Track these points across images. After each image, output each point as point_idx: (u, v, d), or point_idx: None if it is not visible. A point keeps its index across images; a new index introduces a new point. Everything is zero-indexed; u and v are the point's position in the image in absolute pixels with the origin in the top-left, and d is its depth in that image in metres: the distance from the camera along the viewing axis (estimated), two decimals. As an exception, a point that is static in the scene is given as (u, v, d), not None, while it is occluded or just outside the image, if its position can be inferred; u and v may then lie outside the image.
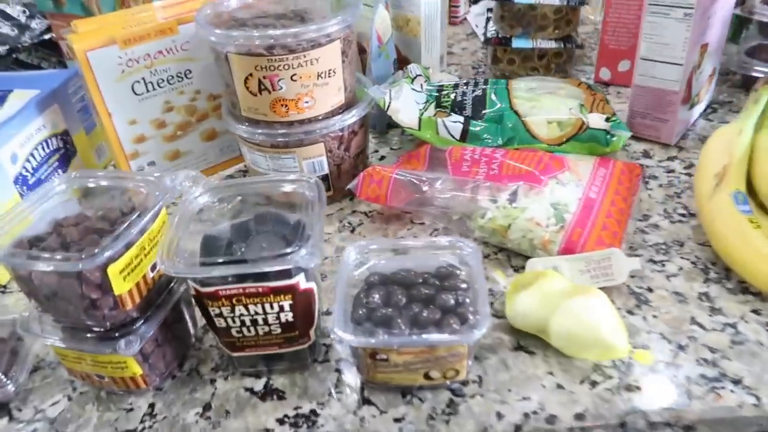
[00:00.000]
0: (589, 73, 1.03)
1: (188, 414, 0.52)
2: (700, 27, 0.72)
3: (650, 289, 0.59)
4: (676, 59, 0.73)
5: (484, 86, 0.79)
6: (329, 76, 0.67)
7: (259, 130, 0.69)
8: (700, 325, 0.55)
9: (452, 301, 0.50)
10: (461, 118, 0.73)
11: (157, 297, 0.52)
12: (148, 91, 0.74)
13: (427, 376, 0.50)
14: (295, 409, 0.51)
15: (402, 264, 0.54)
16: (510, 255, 0.65)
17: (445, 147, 0.71)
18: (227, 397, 0.53)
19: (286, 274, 0.47)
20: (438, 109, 0.76)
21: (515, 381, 0.52)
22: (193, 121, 0.80)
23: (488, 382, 0.52)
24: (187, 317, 0.57)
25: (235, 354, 0.53)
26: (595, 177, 0.64)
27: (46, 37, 1.13)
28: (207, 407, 0.52)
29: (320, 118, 0.69)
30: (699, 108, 0.83)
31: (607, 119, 0.70)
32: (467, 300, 0.50)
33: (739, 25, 0.97)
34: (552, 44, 0.95)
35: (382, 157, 0.86)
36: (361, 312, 0.50)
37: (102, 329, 0.49)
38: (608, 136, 0.69)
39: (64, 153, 0.79)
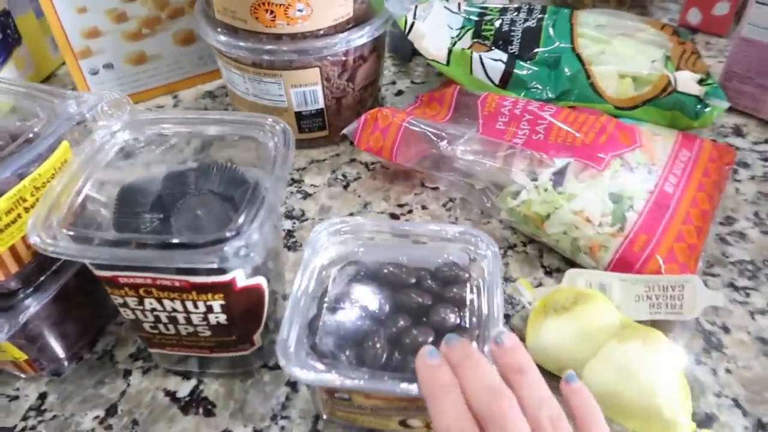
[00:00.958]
0: (674, 12, 0.82)
1: (85, 417, 0.39)
2: None
3: (726, 329, 0.43)
4: (809, 9, 0.54)
5: (540, 15, 0.60)
6: (335, -23, 0.49)
7: (238, 42, 0.52)
8: (792, 394, 0.40)
9: (452, 320, 0.35)
10: (504, 56, 0.55)
11: (53, 262, 0.38)
12: (103, -30, 0.57)
13: (403, 424, 0.36)
14: (224, 433, 0.38)
15: (392, 254, 0.39)
16: (543, 250, 0.49)
17: (479, 92, 0.54)
18: (140, 400, 0.40)
19: (216, 268, 0.32)
20: (476, 40, 0.58)
21: (524, 438, 0.37)
22: (164, 17, 0.63)
23: (487, 433, 0.38)
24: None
25: (153, 350, 0.39)
26: (675, 161, 0.47)
27: None
28: (111, 410, 0.40)
29: (318, 34, 0.52)
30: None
31: (701, 81, 0.52)
32: (473, 322, 0.35)
33: None
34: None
35: (399, 92, 0.68)
36: (327, 320, 0.35)
37: (-34, 301, 0.36)
38: (699, 106, 0.51)
39: (2, 39, 0.63)
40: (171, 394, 0.40)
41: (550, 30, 0.57)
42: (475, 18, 0.60)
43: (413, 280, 0.38)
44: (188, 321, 0.35)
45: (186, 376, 0.41)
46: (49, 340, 0.39)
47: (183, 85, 0.68)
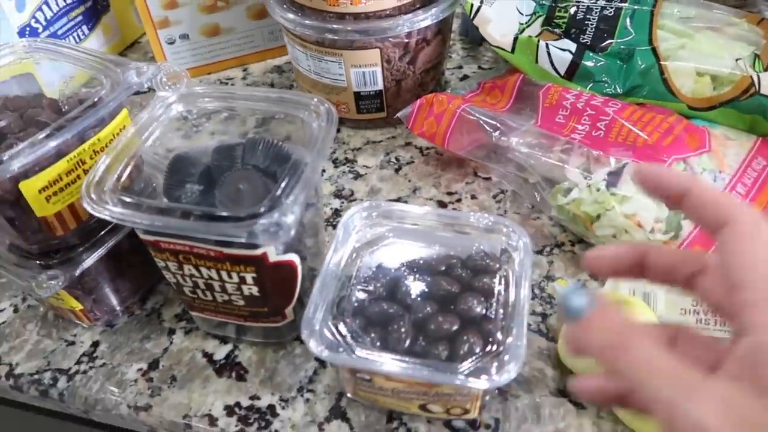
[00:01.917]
0: (778, 6, 0.75)
1: (130, 368, 0.42)
2: None
3: (783, 354, 0.40)
4: None
5: (620, 4, 0.56)
6: (401, -43, 0.49)
7: (303, 20, 0.53)
8: None
9: (479, 309, 0.35)
10: (573, 46, 0.53)
11: (107, 222, 0.40)
12: (185, -58, 0.60)
13: (423, 408, 0.36)
14: (252, 398, 0.40)
15: (424, 240, 0.39)
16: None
17: (542, 82, 0.52)
18: (180, 359, 0.43)
19: (247, 242, 0.33)
20: (545, 28, 0.55)
21: (545, 442, 0.37)
22: (240, -10, 0.65)
23: (508, 431, 0.37)
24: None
25: (194, 314, 0.41)
26: (747, 170, 0.44)
27: None
28: (154, 365, 0.42)
29: (383, 14, 0.52)
30: None
31: (790, 85, 0.47)
32: (500, 313, 0.35)
33: None
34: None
35: (465, 77, 0.67)
36: (353, 300, 0.36)
37: (32, 252, 0.39)
38: (784, 111, 0.47)
39: (93, 6, 0.67)
40: (208, 356, 0.43)
41: (628, 21, 0.54)
42: (549, 3, 0.58)
43: (443, 267, 0.38)
44: (223, 289, 0.37)
45: (224, 340, 0.43)
46: (102, 292, 0.42)
47: (254, 58, 0.70)
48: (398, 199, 0.53)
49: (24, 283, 0.37)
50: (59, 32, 0.63)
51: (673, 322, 0.27)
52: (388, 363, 0.32)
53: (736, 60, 0.49)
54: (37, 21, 0.60)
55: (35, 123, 0.37)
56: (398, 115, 0.53)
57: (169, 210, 0.33)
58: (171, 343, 0.44)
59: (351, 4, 0.51)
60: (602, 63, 0.52)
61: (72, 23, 0.65)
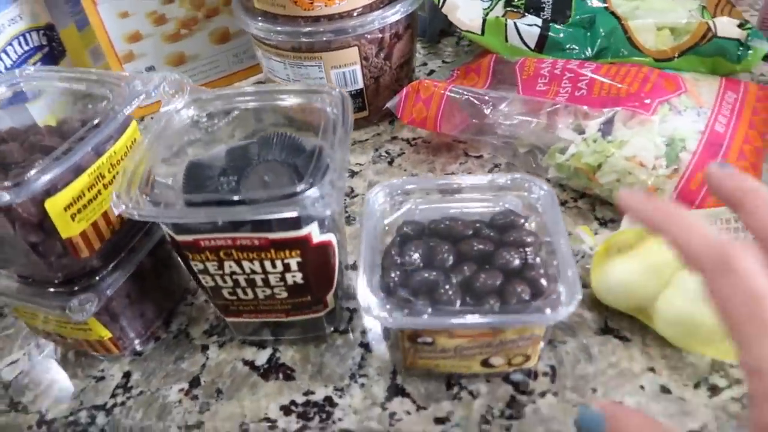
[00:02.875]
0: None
1: (171, 390, 0.40)
2: None
3: (791, 260, 0.43)
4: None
5: (569, -20, 0.60)
6: (368, -44, 0.51)
7: (277, 27, 0.54)
8: None
9: (517, 261, 0.36)
10: (539, 21, 0.56)
11: (129, 240, 0.39)
12: (142, -25, 0.60)
13: (485, 363, 0.36)
14: (306, 394, 0.39)
15: (446, 210, 0.40)
16: (595, 203, 0.49)
17: (515, 59, 0.55)
18: (221, 371, 0.41)
19: (293, 223, 0.33)
20: (508, 9, 0.58)
21: (602, 377, 0.38)
22: (201, 16, 0.65)
23: (564, 375, 0.38)
24: (173, 267, 0.45)
25: (230, 319, 0.40)
26: (722, 103, 0.47)
27: None
28: (195, 382, 0.41)
29: (355, 14, 0.54)
30: None
31: (740, 25, 0.52)
32: (537, 260, 0.36)
33: None
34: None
35: (431, 72, 0.69)
36: (393, 275, 0.36)
37: (55, 281, 0.37)
38: (741, 49, 0.51)
39: (49, 52, 0.65)
40: (249, 363, 0.42)
41: (581, -8, 0.58)
42: (505, -12, 0.61)
43: (470, 232, 0.38)
44: (266, 283, 0.36)
45: (261, 345, 0.42)
46: (129, 317, 0.41)
47: (221, 83, 0.70)
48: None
49: (55, 312, 0.35)
50: (19, 80, 0.61)
51: None
52: (463, 316, 0.32)
53: (689, 11, 0.54)
54: (-2, 70, 0.59)
55: (40, 149, 0.36)
56: (387, 105, 0.54)
57: (205, 203, 0.33)
58: (207, 359, 0.42)
59: (325, 6, 0.52)
60: (568, 33, 0.56)
61: (31, 70, 0.63)
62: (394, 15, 0.54)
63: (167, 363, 0.42)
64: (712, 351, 0.37)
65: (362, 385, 0.39)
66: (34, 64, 0.63)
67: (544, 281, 0.35)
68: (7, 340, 0.46)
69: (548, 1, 0.59)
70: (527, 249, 0.37)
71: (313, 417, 0.38)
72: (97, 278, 0.37)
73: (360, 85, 0.58)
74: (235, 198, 0.32)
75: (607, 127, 0.46)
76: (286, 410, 0.38)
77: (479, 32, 0.57)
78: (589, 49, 0.55)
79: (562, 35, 0.55)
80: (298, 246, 0.34)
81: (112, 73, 0.39)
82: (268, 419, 0.38)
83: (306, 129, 0.39)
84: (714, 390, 0.36)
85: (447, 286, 0.35)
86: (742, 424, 0.35)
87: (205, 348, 0.43)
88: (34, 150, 0.36)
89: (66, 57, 0.69)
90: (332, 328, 0.42)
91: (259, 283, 0.36)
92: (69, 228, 0.34)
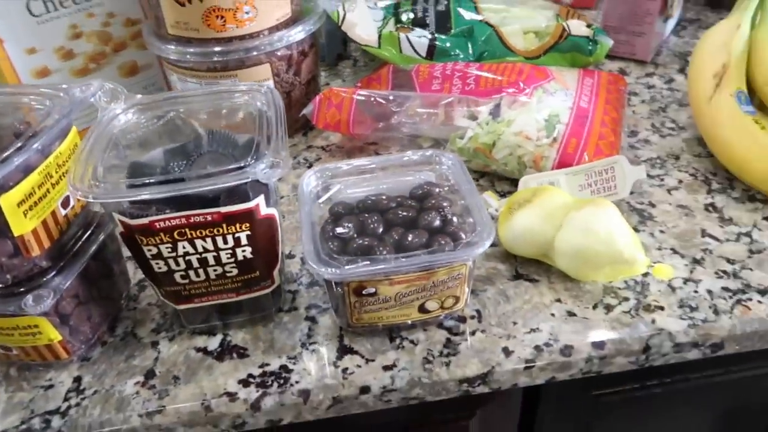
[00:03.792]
0: (549, -2, 0.95)
1: (126, 385, 0.42)
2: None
3: (652, 204, 0.52)
4: (654, -38, 0.67)
5: (446, 1, 0.70)
6: (272, -19, 0.56)
7: (191, 49, 0.57)
8: (713, 237, 0.49)
9: (438, 221, 0.42)
10: (427, 33, 0.64)
11: (74, 243, 0.41)
12: (48, 11, 0.61)
13: (422, 309, 0.41)
14: (262, 366, 0.42)
15: (369, 189, 0.45)
16: (494, 179, 0.57)
17: (410, 66, 0.62)
18: (174, 361, 0.43)
19: (242, 195, 0.37)
20: (398, 25, 0.66)
21: (519, 312, 0.44)
22: (109, 51, 0.67)
23: (488, 316, 0.44)
24: (117, 272, 0.47)
25: (182, 307, 0.43)
26: (583, 87, 0.57)
27: None
28: (150, 374, 0.42)
29: (264, 33, 0.59)
30: (671, 23, 0.78)
31: (588, 26, 0.63)
32: (454, 218, 0.42)
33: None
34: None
35: (335, 90, 0.76)
36: (331, 245, 0.40)
37: (2, 284, 0.38)
38: (591, 45, 0.62)
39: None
40: (202, 350, 0.44)
41: (459, 9, 0.67)
42: (392, 10, 0.69)
43: (394, 204, 0.44)
44: (217, 261, 0.39)
45: (211, 333, 0.45)
46: (78, 319, 0.42)
47: (132, 114, 0.72)
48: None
49: (10, 308, 0.36)
50: None
51: None
52: (401, 261, 0.37)
53: (548, 18, 0.64)
54: None
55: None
56: (303, 112, 0.60)
57: (165, 182, 0.36)
58: (159, 353, 0.44)
59: (237, 27, 0.57)
60: (452, 41, 0.64)
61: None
62: (298, 34, 0.60)
63: (118, 363, 0.43)
64: (601, 276, 0.44)
65: (313, 351, 0.43)
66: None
67: (462, 234, 0.41)
68: (-61, 368, 0.44)
69: (432, 18, 0.67)
70: (445, 210, 0.43)
71: (271, 384, 0.41)
72: (45, 279, 0.39)
73: (273, 99, 0.62)
74: (192, 175, 0.35)
75: (495, 111, 0.54)
76: (244, 383, 0.41)
77: (376, 45, 0.64)
78: (472, 53, 0.64)
79: (448, 44, 0.64)
80: (247, 219, 0.38)
81: (53, 85, 0.41)
82: (228, 393, 0.40)
83: (239, 125, 0.44)
84: (608, 308, 0.44)
85: (381, 248, 0.40)
86: None
87: (155, 344, 0.45)
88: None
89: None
90: (278, 308, 0.46)
91: (211, 261, 0.39)
92: (22, 225, 0.36)
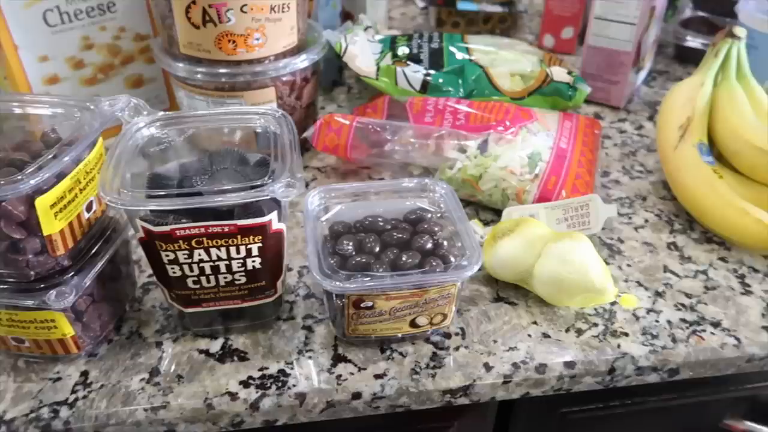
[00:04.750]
0: (531, 40, 1.02)
1: (131, 381, 0.44)
2: (652, -12, 0.72)
3: (621, 240, 0.58)
4: (630, 18, 0.73)
5: (439, 40, 0.75)
6: (283, 11, 0.60)
7: (201, 69, 0.61)
8: (674, 273, 0.54)
9: (430, 245, 0.46)
10: (421, 68, 0.69)
11: (92, 245, 0.44)
12: (63, 22, 0.64)
13: (413, 324, 0.45)
14: (261, 369, 0.45)
15: (367, 211, 0.49)
16: (478, 209, 0.62)
17: (404, 98, 0.67)
18: (178, 361, 0.46)
19: (257, 211, 0.41)
20: (395, 59, 0.71)
21: (500, 332, 0.48)
22: (117, 63, 0.70)
23: (472, 333, 0.48)
24: (125, 275, 0.49)
25: (189, 310, 0.45)
26: (563, 129, 0.63)
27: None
28: (154, 372, 0.45)
29: (271, 59, 0.63)
30: (643, 74, 0.84)
31: (569, 73, 0.69)
32: (445, 243, 0.46)
33: None
34: (497, 8, 0.94)
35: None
36: (332, 261, 0.44)
37: (24, 280, 0.40)
38: (571, 90, 0.68)
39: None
40: (204, 351, 0.47)
41: (452, 48, 0.72)
42: (389, 44, 0.74)
43: (389, 226, 0.48)
44: (228, 269, 0.43)
45: (213, 336, 0.48)
46: (91, 316, 0.44)
47: (134, 124, 0.74)
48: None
49: (32, 302, 0.39)
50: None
51: None
52: (399, 278, 0.41)
53: (533, 63, 0.70)
54: None
55: (10, 163, 0.40)
56: (305, 135, 0.63)
57: (186, 194, 0.39)
58: (163, 352, 0.47)
59: (247, 51, 0.61)
60: (445, 77, 0.69)
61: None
62: (302, 62, 0.64)
63: (124, 360, 0.46)
64: (574, 302, 0.49)
65: (309, 357, 0.46)
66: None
67: (451, 257, 0.45)
68: (-54, 358, 0.46)
69: (425, 55, 0.72)
70: (436, 235, 0.47)
71: (270, 386, 0.44)
72: (65, 277, 0.41)
73: (275, 120, 0.66)
74: (215, 189, 0.39)
75: (483, 146, 0.59)
76: (245, 384, 0.44)
77: (374, 77, 0.69)
78: (462, 91, 0.69)
79: (440, 80, 0.69)
80: (260, 232, 0.41)
81: (84, 98, 0.44)
82: (229, 393, 0.43)
83: (253, 145, 0.47)
84: (579, 332, 0.48)
85: (378, 266, 0.44)
86: None
87: (159, 344, 0.47)
88: (2, 164, 0.40)
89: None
90: (277, 316, 0.49)
91: (223, 269, 0.43)
92: (51, 225, 0.38)
